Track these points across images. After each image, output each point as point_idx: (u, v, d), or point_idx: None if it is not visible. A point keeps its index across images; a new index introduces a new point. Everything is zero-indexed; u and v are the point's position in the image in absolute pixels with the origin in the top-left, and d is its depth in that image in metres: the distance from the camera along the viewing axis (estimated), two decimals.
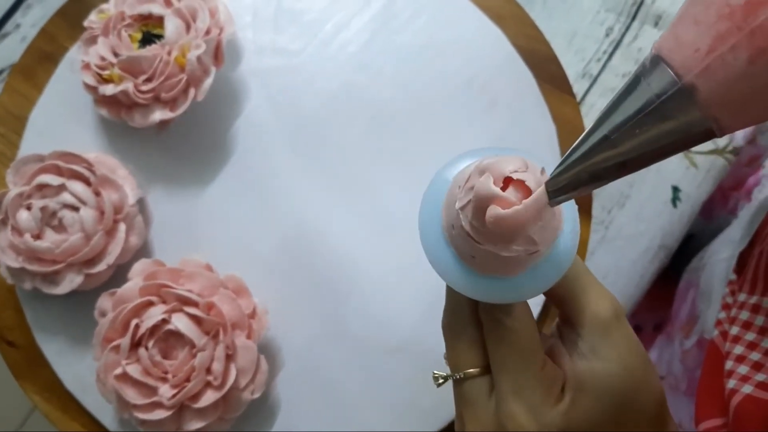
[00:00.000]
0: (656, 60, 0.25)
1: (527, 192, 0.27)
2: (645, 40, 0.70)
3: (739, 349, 0.48)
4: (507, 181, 0.28)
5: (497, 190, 0.27)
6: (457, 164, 0.32)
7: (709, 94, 0.23)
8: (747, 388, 0.45)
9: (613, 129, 0.25)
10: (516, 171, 0.27)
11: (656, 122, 0.25)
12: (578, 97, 0.69)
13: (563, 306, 0.35)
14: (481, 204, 0.28)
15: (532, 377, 0.32)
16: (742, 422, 0.45)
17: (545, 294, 0.35)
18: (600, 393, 0.33)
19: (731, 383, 0.47)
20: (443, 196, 0.32)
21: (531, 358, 0.33)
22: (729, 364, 0.48)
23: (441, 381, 0.36)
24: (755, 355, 0.47)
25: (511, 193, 0.27)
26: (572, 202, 0.31)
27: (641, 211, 0.67)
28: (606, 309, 0.34)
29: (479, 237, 0.29)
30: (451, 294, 0.36)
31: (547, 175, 0.28)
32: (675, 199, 0.67)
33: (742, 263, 0.55)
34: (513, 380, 0.33)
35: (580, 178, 0.27)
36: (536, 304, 0.56)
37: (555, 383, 0.33)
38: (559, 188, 0.27)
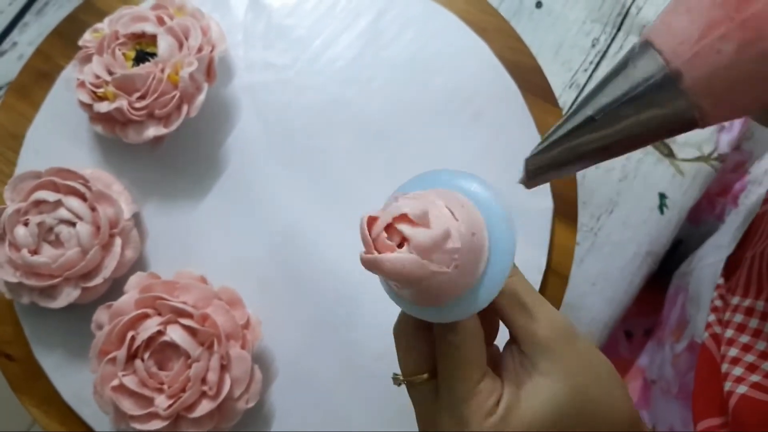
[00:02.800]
0: (645, 45, 0.25)
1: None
2: None
3: (733, 352, 0.49)
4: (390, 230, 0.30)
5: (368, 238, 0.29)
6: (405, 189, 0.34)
7: (695, 81, 0.23)
8: (741, 389, 0.46)
9: (598, 110, 0.25)
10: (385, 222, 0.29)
11: (642, 106, 0.25)
12: (565, 107, 0.70)
13: (509, 327, 0.36)
14: (364, 265, 0.30)
15: (467, 390, 0.33)
16: (741, 423, 0.45)
17: (496, 314, 0.36)
18: (538, 408, 0.33)
19: (727, 385, 0.47)
20: None
21: (468, 372, 0.33)
22: (724, 367, 0.49)
23: (399, 383, 0.37)
24: (750, 357, 0.48)
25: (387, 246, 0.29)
26: (511, 233, 0.31)
27: (629, 218, 0.68)
28: (547, 328, 0.35)
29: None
30: None
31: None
32: (662, 206, 0.68)
33: (730, 267, 0.55)
34: (450, 391, 0.34)
35: (561, 159, 0.27)
36: None
37: (490, 397, 0.34)
38: (540, 166, 0.27)
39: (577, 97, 0.71)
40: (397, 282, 0.29)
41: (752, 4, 0.22)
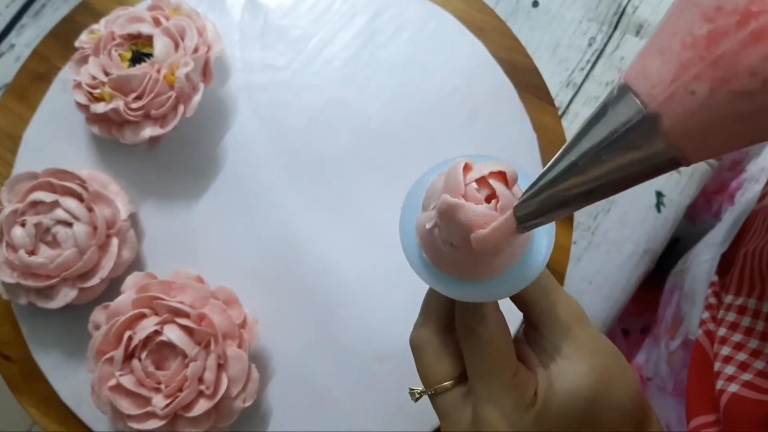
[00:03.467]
0: (623, 89, 0.25)
1: (493, 192, 0.29)
2: (627, 49, 0.72)
3: (726, 350, 0.49)
4: (481, 183, 0.29)
5: (455, 200, 0.29)
6: (439, 169, 0.34)
7: (673, 123, 0.24)
8: (733, 387, 0.46)
9: (581, 156, 0.26)
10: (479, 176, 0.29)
11: (622, 150, 0.25)
12: (562, 106, 0.70)
13: (528, 310, 0.37)
14: (441, 210, 0.29)
15: (505, 384, 0.34)
16: (732, 421, 0.45)
17: (512, 299, 0.37)
18: (569, 392, 0.34)
19: (719, 383, 0.47)
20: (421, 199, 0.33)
21: (503, 366, 0.34)
22: (717, 365, 0.49)
23: (417, 396, 0.37)
24: (741, 356, 0.48)
25: (475, 197, 0.29)
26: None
27: (626, 217, 0.68)
28: (567, 312, 0.35)
29: (442, 238, 0.30)
30: (424, 310, 0.37)
31: (519, 191, 0.29)
32: (659, 204, 0.68)
33: (724, 265, 0.55)
34: (487, 387, 0.34)
35: (548, 204, 0.27)
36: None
37: (528, 389, 0.34)
38: (527, 213, 0.28)
39: (573, 96, 0.71)
40: (478, 241, 0.29)
41: (721, 44, 0.22)
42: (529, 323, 0.37)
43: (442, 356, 0.36)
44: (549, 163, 0.27)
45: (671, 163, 0.25)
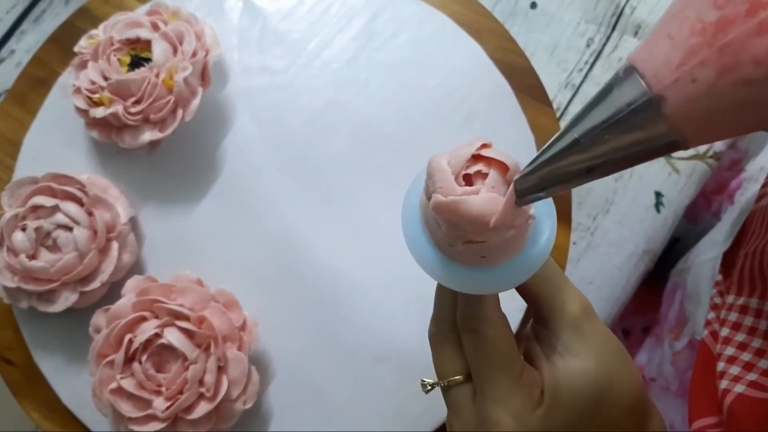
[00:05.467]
0: (629, 70, 0.25)
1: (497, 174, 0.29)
2: (625, 50, 0.72)
3: (730, 350, 0.49)
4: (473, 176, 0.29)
5: (445, 166, 0.29)
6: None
7: (677, 107, 0.24)
8: (739, 388, 0.46)
9: (583, 134, 0.26)
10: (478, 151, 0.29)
11: (625, 130, 0.25)
12: (561, 107, 0.70)
13: (538, 306, 0.36)
14: (435, 207, 0.29)
15: (512, 385, 0.34)
16: (737, 421, 0.45)
17: (521, 295, 0.37)
18: (576, 390, 0.34)
19: (723, 383, 0.47)
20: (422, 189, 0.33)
21: (509, 367, 0.34)
22: (721, 365, 0.49)
23: (429, 388, 0.37)
24: (746, 356, 0.48)
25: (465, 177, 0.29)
26: (551, 206, 0.32)
27: (625, 217, 0.68)
28: (576, 307, 0.35)
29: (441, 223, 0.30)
30: (437, 303, 0.37)
31: (518, 168, 0.29)
32: (658, 205, 0.68)
33: (727, 264, 0.55)
34: (493, 388, 0.34)
35: (547, 179, 0.27)
36: (518, 309, 0.57)
37: (534, 388, 0.34)
38: (527, 187, 0.28)
39: (572, 97, 0.71)
40: (479, 225, 0.28)
41: (729, 32, 0.23)
42: (537, 318, 0.37)
43: (459, 351, 0.36)
44: (551, 139, 0.27)
45: (671, 146, 0.25)
